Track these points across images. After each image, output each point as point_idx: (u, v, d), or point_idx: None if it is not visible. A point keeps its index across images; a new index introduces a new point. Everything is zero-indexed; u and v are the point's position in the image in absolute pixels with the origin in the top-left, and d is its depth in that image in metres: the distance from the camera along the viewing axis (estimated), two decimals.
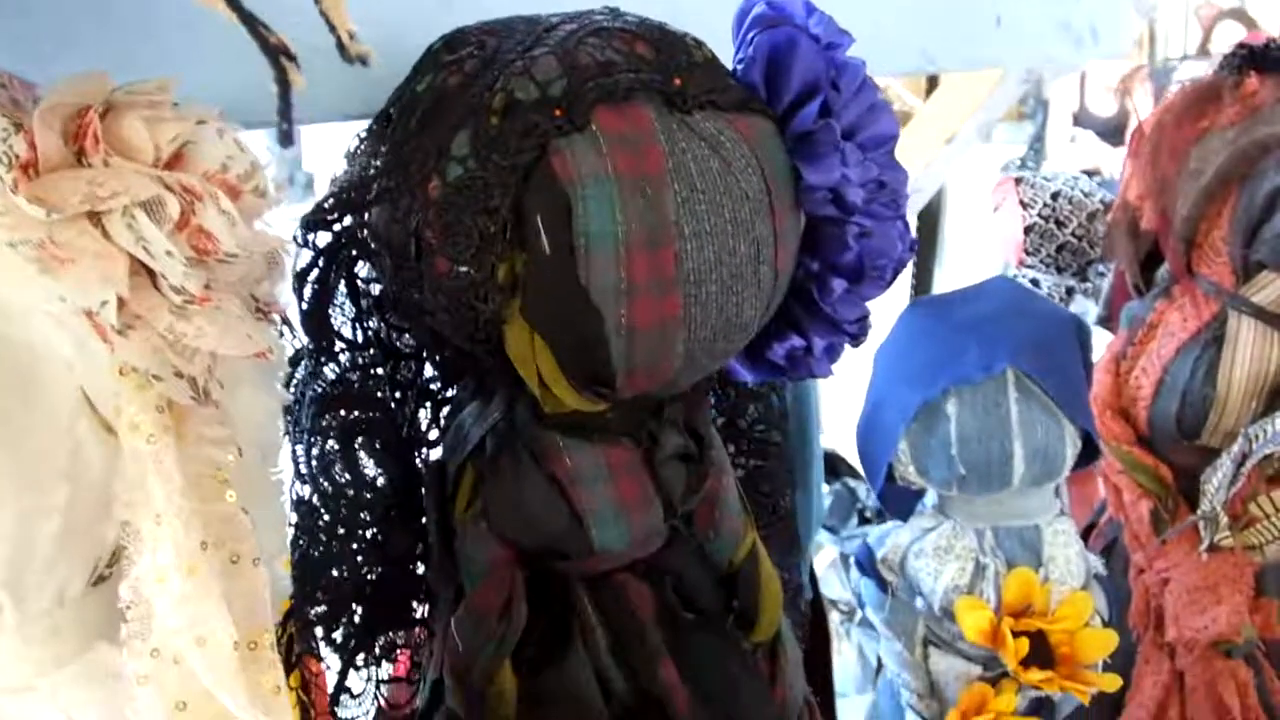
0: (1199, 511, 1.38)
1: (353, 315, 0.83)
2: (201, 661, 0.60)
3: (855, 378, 1.29)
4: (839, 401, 1.71)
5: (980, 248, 2.29)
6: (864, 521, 1.69)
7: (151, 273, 0.61)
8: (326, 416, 0.83)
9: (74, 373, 0.60)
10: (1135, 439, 1.48)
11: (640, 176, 0.74)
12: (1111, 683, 1.20)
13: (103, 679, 0.65)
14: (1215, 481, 1.38)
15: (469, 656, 0.84)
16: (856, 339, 0.89)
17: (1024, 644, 1.17)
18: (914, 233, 0.90)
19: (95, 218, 0.59)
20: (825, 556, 1.91)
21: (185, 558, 0.60)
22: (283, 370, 0.75)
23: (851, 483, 1.75)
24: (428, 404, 0.95)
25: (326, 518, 0.86)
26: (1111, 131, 5.06)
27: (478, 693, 0.86)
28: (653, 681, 0.89)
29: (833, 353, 0.90)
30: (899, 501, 1.30)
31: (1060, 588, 1.22)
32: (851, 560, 1.36)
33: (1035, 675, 1.17)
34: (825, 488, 1.61)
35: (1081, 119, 5.40)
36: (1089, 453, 1.25)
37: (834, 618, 1.73)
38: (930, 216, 2.21)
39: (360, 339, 0.84)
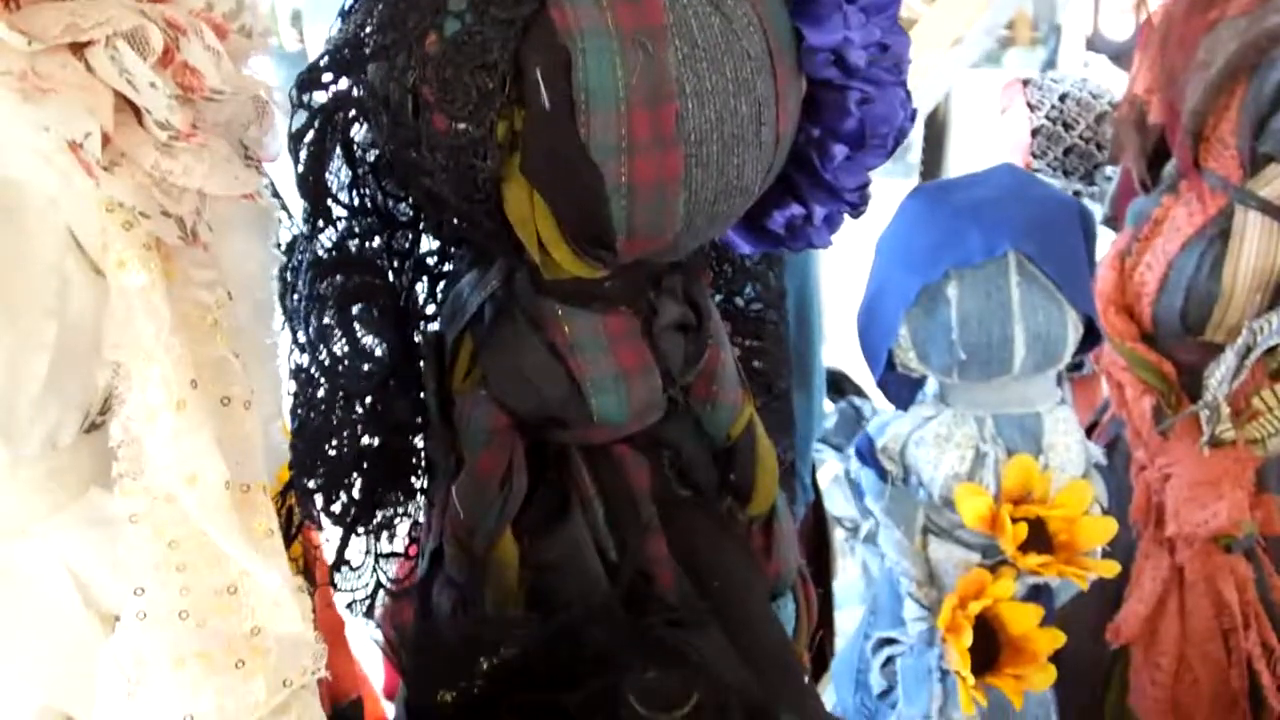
0: (1201, 402, 1.38)
1: (349, 180, 0.82)
2: (193, 499, 0.60)
3: (858, 295, 1.28)
4: (842, 321, 1.70)
5: (986, 155, 2.27)
6: None
7: (137, 111, 0.60)
8: (324, 282, 0.83)
9: (59, 209, 0.60)
10: (1139, 335, 1.48)
11: (640, 30, 0.73)
12: (1109, 569, 1.21)
13: (98, 525, 0.65)
14: (1219, 375, 1.37)
15: (470, 523, 0.85)
16: (856, 208, 0.88)
17: (1022, 530, 1.17)
18: (921, 143, 0.89)
19: (79, 51, 0.58)
20: (828, 472, 1.91)
21: (175, 394, 0.59)
22: (274, 227, 0.74)
23: (857, 401, 1.74)
24: (425, 279, 0.95)
25: (324, 387, 0.86)
26: (1125, 56, 4.99)
27: (478, 559, 0.86)
28: (641, 554, 0.89)
29: (832, 222, 0.89)
30: (899, 391, 1.29)
31: (1060, 475, 1.22)
32: (855, 459, 1.36)
33: (1033, 560, 1.17)
34: (829, 405, 1.60)
35: (1095, 43, 5.32)
36: (1091, 340, 1.25)
37: (838, 534, 1.74)
38: (937, 125, 2.19)
39: (357, 204, 0.83)
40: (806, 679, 1.02)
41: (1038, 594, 1.25)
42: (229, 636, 0.62)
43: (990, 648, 1.22)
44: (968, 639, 1.17)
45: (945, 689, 1.22)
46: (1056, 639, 1.20)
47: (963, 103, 2.58)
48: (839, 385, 1.68)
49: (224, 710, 0.62)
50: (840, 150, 0.83)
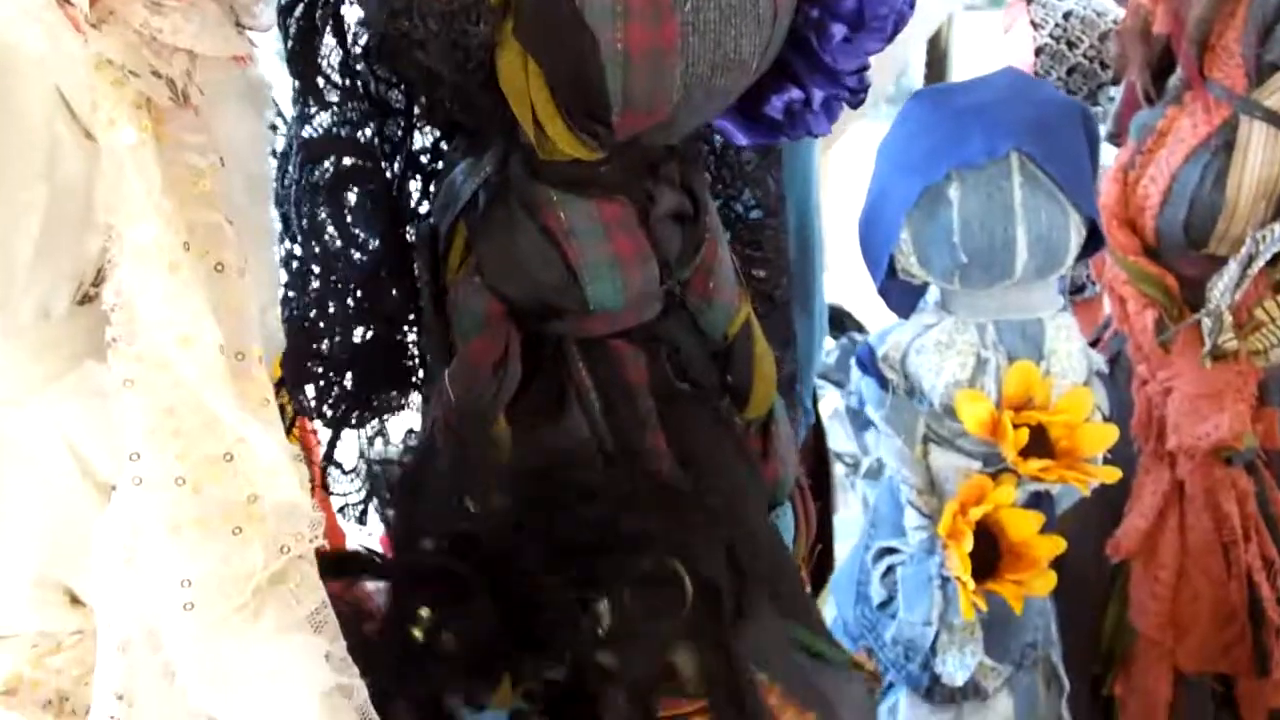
0: (1204, 310, 1.37)
1: (340, 62, 0.82)
2: (187, 363, 0.59)
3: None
4: (844, 254, 1.68)
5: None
6: None
7: None
8: (315, 167, 0.82)
9: (48, 69, 0.59)
10: (1141, 249, 1.47)
11: None
12: (1110, 474, 1.21)
13: (94, 396, 0.65)
14: (1221, 284, 1.36)
15: (463, 409, 0.84)
16: (855, 93, 0.87)
17: (1023, 435, 1.17)
18: (924, 66, 0.88)
19: None
20: (829, 407, 1.91)
21: (166, 255, 0.59)
22: (267, 101, 0.73)
23: (858, 336, 1.74)
24: (417, 176, 0.94)
25: (317, 276, 0.86)
26: None
27: (471, 448, 0.86)
28: (640, 448, 0.89)
29: (830, 109, 0.88)
30: (900, 299, 1.29)
31: (1061, 382, 1.22)
32: (856, 369, 1.35)
33: (1034, 465, 1.17)
34: (830, 342, 1.59)
35: None
36: (1093, 244, 1.24)
37: (838, 470, 1.74)
38: (938, 49, 2.17)
39: (348, 86, 0.82)
40: (801, 580, 1.02)
41: (1038, 501, 1.25)
42: (226, 503, 0.62)
43: (991, 554, 1.22)
44: (968, 545, 1.17)
45: (945, 595, 1.23)
46: (1057, 545, 1.20)
47: (964, 34, 2.55)
48: (840, 321, 1.67)
49: (220, 576, 0.61)
50: (839, 30, 0.82)
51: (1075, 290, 1.91)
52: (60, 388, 0.65)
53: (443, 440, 0.85)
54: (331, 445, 0.95)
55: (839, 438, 1.80)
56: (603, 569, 0.73)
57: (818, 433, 1.75)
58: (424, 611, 0.75)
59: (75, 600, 0.67)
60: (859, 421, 1.48)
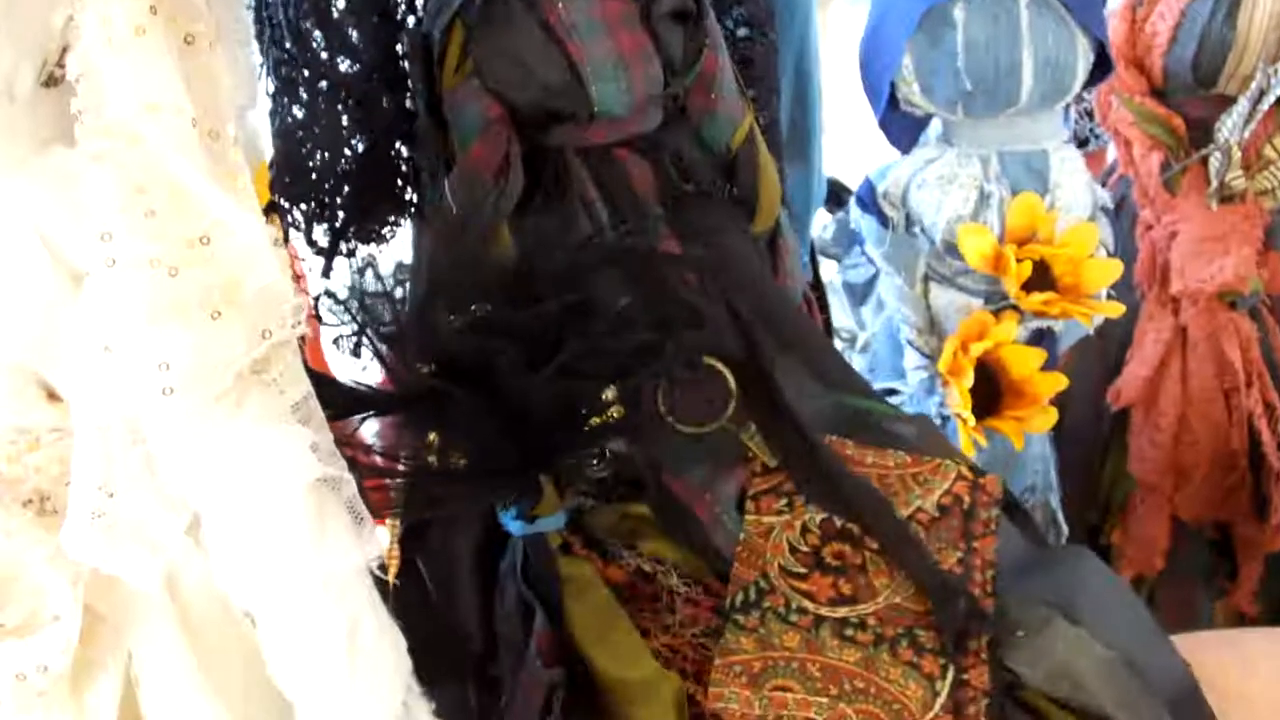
0: (1212, 144, 1.34)
1: None
2: (157, 132, 0.57)
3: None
4: (842, 121, 1.64)
5: None
6: None
7: None
8: None
9: None
10: (1149, 90, 1.43)
11: None
12: (1114, 309, 1.18)
13: (63, 182, 0.62)
14: (1230, 121, 1.33)
15: (464, 217, 0.82)
16: None
17: (1026, 269, 1.15)
18: None
19: None
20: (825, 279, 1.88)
21: (133, 18, 0.56)
22: None
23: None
24: None
25: (305, 84, 0.83)
26: None
27: (471, 254, 0.83)
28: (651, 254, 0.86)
29: None
30: (901, 133, 1.25)
31: (1066, 216, 1.19)
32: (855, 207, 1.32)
33: (1036, 299, 1.14)
34: (828, 216, 1.55)
35: None
36: (1102, 69, 1.20)
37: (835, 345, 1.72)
38: None
39: None
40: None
41: (1040, 338, 1.23)
42: (204, 287, 0.60)
43: (991, 393, 1.20)
44: (969, 381, 1.15)
45: (945, 435, 1.21)
46: (1058, 382, 1.18)
47: None
48: (837, 196, 1.64)
49: (200, 362, 0.59)
50: None
51: (1080, 144, 1.87)
52: (28, 173, 0.62)
53: (442, 253, 0.83)
54: (325, 274, 0.93)
55: (836, 312, 1.78)
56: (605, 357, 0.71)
57: (815, 286, 1.73)
58: (431, 437, 0.74)
59: (53, 396, 0.65)
60: (857, 296, 1.46)
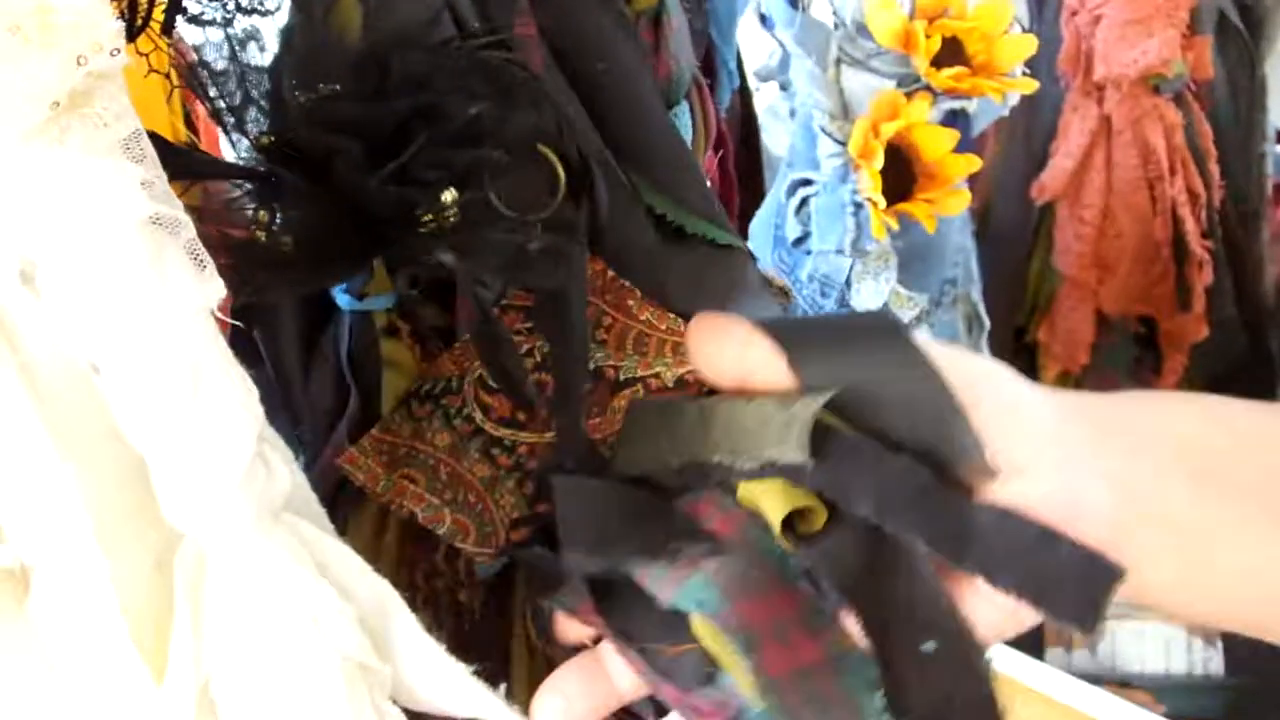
0: None
1: None
2: None
3: None
4: None
5: None
6: None
7: None
8: None
9: None
10: None
11: None
12: (1027, 85, 1.15)
13: None
14: None
15: None
16: None
17: (935, 44, 1.11)
18: None
19: None
20: (763, 101, 1.83)
21: None
22: None
23: None
24: None
25: None
26: None
27: (322, 30, 0.79)
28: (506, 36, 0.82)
29: None
30: None
31: None
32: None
33: (948, 74, 1.11)
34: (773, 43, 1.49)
35: None
36: None
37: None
38: None
39: None
40: (698, 169, 0.97)
41: (954, 119, 1.20)
42: (8, 13, 0.56)
43: (905, 179, 1.18)
44: (879, 162, 1.12)
45: (858, 222, 1.19)
46: (971, 163, 1.16)
47: None
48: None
49: (9, 91, 0.56)
50: None
51: None
52: None
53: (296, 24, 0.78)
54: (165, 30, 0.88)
55: (776, 139, 1.74)
56: (434, 157, 0.67)
57: (744, 96, 1.69)
58: (262, 214, 0.70)
59: None
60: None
